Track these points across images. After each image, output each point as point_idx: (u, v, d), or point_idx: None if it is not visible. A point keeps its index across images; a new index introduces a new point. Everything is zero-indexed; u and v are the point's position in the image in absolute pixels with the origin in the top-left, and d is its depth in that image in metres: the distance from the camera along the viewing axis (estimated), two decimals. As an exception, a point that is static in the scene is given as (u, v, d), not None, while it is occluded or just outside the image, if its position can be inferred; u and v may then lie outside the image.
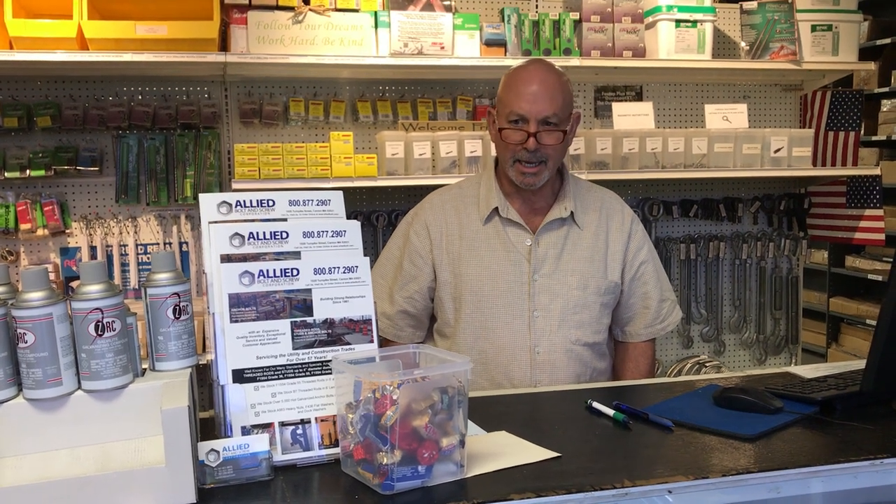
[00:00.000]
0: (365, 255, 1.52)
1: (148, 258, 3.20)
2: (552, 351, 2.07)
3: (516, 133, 2.00)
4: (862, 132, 3.81)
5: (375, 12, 3.07)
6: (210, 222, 1.47)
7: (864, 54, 3.98)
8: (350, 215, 3.22)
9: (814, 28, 3.50)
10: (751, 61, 3.49)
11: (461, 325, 2.10)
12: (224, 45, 2.99)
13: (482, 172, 2.23)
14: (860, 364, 1.80)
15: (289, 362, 1.42)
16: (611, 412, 1.61)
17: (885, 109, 5.54)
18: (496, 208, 2.10)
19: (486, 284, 2.08)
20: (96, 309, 1.30)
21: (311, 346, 1.43)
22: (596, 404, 1.66)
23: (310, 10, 3.00)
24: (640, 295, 2.18)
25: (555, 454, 1.40)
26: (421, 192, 2.35)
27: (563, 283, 2.08)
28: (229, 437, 1.36)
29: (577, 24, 3.31)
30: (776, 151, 3.40)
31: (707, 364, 3.72)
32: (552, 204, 2.13)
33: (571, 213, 2.11)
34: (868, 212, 3.67)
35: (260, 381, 1.40)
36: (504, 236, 2.10)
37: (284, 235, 1.48)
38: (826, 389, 1.69)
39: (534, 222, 2.12)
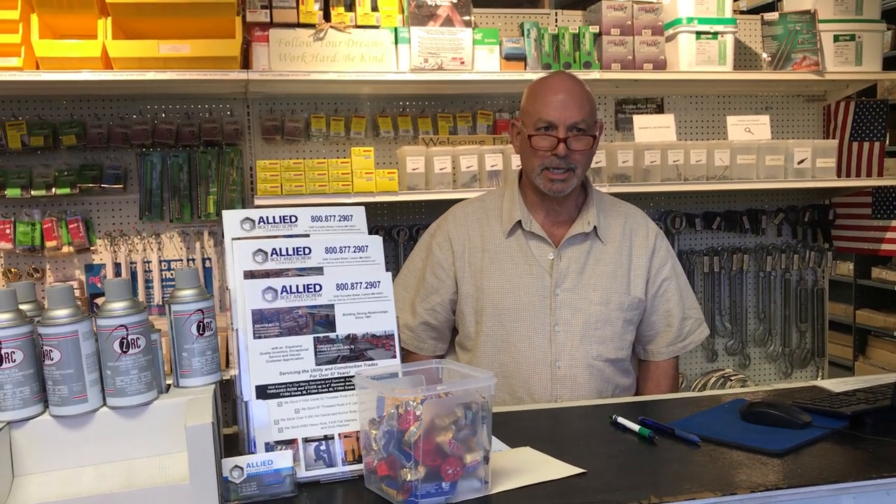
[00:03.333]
0: (386, 269, 1.52)
1: (171, 274, 3.22)
2: (573, 366, 2.05)
3: (546, 139, 2.01)
4: (887, 142, 3.76)
5: (395, 28, 3.08)
6: (233, 238, 1.48)
7: (889, 64, 3.93)
8: (371, 230, 3.22)
9: (836, 38, 3.47)
10: (773, 72, 3.47)
11: (482, 339, 2.09)
12: (246, 63, 3.01)
13: (505, 185, 2.23)
14: (889, 378, 1.77)
15: (312, 378, 1.42)
16: (636, 427, 1.60)
17: (910, 119, 5.47)
18: (519, 221, 2.10)
19: (508, 298, 2.07)
20: (121, 326, 1.31)
21: (333, 361, 1.43)
22: (621, 419, 1.64)
23: (330, 27, 3.02)
24: (662, 312, 2.16)
25: (580, 470, 1.38)
26: (442, 207, 2.35)
27: (584, 297, 2.07)
28: (253, 453, 1.36)
29: (597, 37, 3.30)
30: (800, 163, 3.36)
31: (732, 378, 3.67)
32: (575, 217, 2.12)
33: (595, 227, 2.10)
34: (895, 222, 3.62)
35: (283, 396, 1.40)
36: (527, 250, 2.09)
37: (307, 251, 1.49)
38: (855, 404, 1.66)
39: (557, 236, 2.11)
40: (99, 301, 3.11)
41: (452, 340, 2.23)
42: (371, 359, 1.46)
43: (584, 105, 2.01)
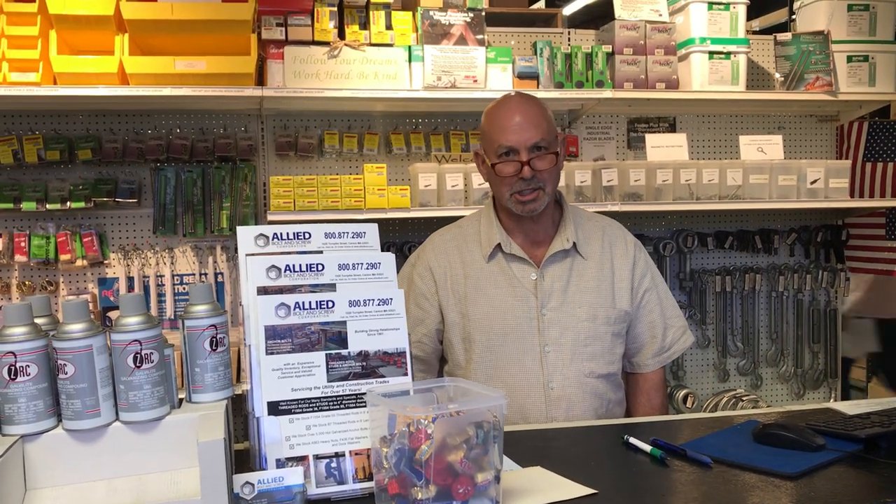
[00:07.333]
0: (398, 286, 1.52)
1: (184, 289, 3.23)
2: (566, 385, 2.03)
3: (509, 165, 1.99)
4: (901, 163, 3.75)
5: (409, 47, 3.10)
6: (247, 255, 1.49)
7: (902, 84, 3.94)
8: (383, 246, 3.24)
9: (850, 59, 3.48)
10: (786, 92, 3.46)
11: (472, 366, 2.06)
12: (261, 80, 3.04)
13: (481, 210, 2.21)
14: (904, 401, 1.75)
15: (323, 395, 1.42)
16: (648, 448, 1.59)
17: (923, 140, 5.45)
18: (499, 244, 2.08)
19: (496, 323, 2.05)
20: (135, 341, 1.31)
21: (345, 378, 1.44)
22: (633, 440, 1.63)
23: (345, 45, 3.04)
24: (646, 324, 2.15)
25: (591, 490, 1.38)
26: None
27: (571, 315, 2.05)
28: (264, 469, 1.36)
29: (610, 56, 3.31)
30: (812, 183, 3.36)
31: (744, 398, 3.65)
32: (553, 235, 2.10)
33: (574, 243, 2.09)
34: (909, 244, 3.61)
35: (295, 413, 1.40)
36: (509, 272, 2.08)
37: (320, 268, 1.49)
38: (870, 426, 1.65)
39: (537, 256, 2.09)
40: (111, 315, 3.13)
41: (440, 371, 2.21)
42: (382, 376, 1.46)
43: (540, 123, 1.99)
